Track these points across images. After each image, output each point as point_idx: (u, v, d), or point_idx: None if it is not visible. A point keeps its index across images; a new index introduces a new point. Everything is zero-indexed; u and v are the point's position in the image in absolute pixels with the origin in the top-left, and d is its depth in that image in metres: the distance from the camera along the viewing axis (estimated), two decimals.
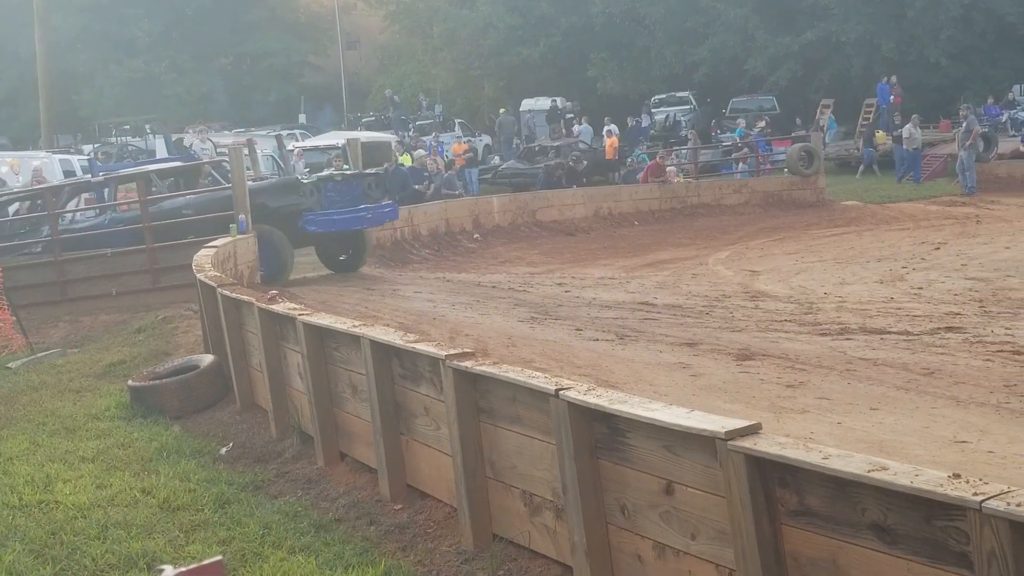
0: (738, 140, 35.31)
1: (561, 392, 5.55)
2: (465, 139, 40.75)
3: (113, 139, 42.93)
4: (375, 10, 55.20)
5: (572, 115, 42.84)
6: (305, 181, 16.34)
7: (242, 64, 55.68)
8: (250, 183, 16.67)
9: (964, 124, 30.14)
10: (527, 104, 44.14)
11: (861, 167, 33.96)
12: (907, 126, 32.25)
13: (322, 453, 8.87)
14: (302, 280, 17.16)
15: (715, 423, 4.74)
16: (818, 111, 38.91)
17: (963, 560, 3.76)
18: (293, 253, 16.34)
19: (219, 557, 2.23)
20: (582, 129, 39.53)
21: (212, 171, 19.10)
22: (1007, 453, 7.28)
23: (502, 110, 43.89)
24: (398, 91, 50.72)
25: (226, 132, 39.81)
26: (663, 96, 43.88)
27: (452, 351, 6.75)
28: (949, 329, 11.97)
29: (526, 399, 6.00)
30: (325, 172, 18.00)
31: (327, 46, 58.02)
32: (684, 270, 18.93)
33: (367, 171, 17.96)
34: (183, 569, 2.23)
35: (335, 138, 33.31)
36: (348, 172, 17.60)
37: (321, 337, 8.73)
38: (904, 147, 31.77)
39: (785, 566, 4.48)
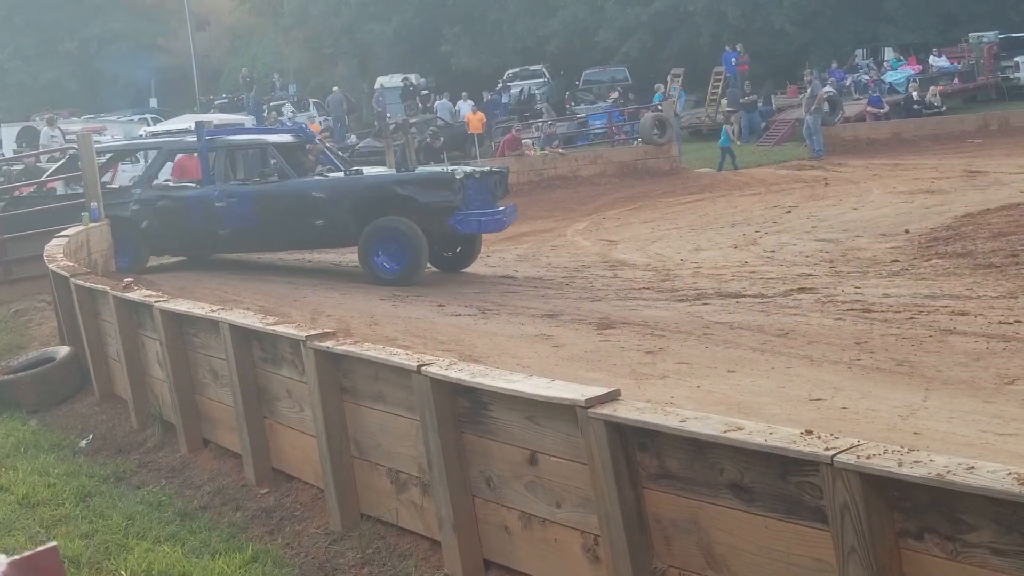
0: (659, 106, 34.77)
1: (423, 368, 5.56)
2: (321, 118, 40.33)
3: None
4: None
5: (427, 91, 42.67)
6: (457, 176, 14.69)
7: (89, 48, 54.20)
8: (395, 173, 15.29)
9: (809, 89, 30.83)
10: (381, 81, 43.83)
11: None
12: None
13: (185, 441, 8.74)
14: (158, 267, 16.83)
15: (575, 392, 4.80)
16: (668, 81, 39.38)
17: (817, 514, 3.88)
18: (428, 253, 14.88)
19: (53, 543, 2.19)
20: (439, 105, 39.43)
21: (325, 149, 17.73)
22: (859, 408, 7.51)
23: (335, 88, 43.45)
24: (252, 72, 49.94)
25: (75, 119, 38.74)
26: (517, 70, 43.97)
27: (313, 332, 6.72)
28: (802, 290, 12.30)
29: (389, 376, 6.00)
30: (469, 168, 15.99)
31: (176, 28, 56.78)
32: (543, 242, 19.04)
33: (495, 169, 16.45)
34: (16, 557, 2.18)
35: (187, 121, 32.66)
36: (483, 169, 16.02)
37: (179, 323, 8.60)
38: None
39: (648, 529, 4.57)
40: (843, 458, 3.73)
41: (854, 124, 32.44)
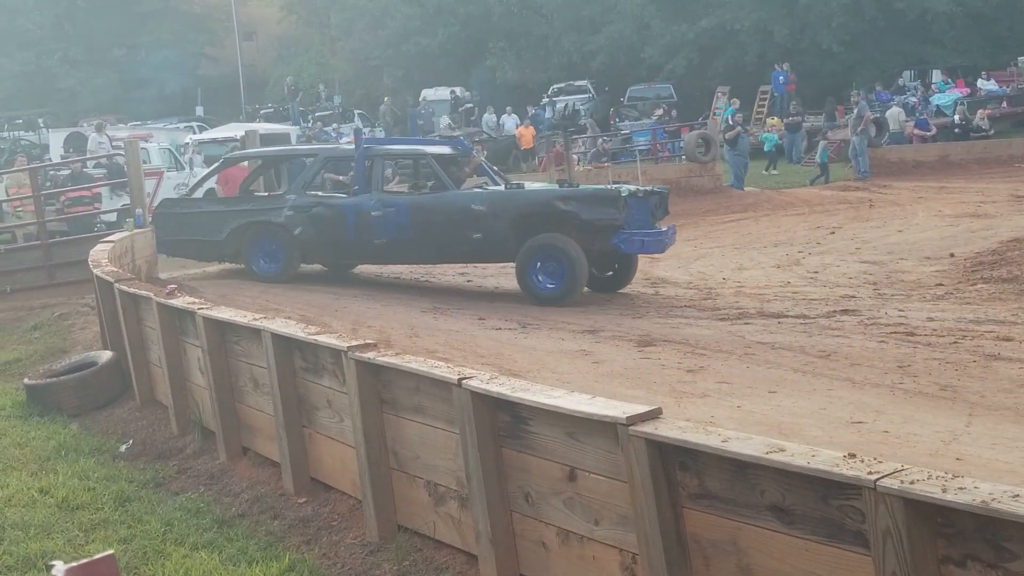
0: (729, 120, 32.89)
1: (464, 381, 5.56)
2: (367, 129, 40.53)
3: (5, 134, 41.99)
4: (272, 0, 54.74)
5: (471, 104, 42.81)
6: (622, 194, 14.00)
7: (137, 56, 54.74)
8: (558, 189, 14.82)
9: (856, 110, 30.70)
10: (425, 93, 44.03)
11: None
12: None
13: (224, 448, 8.79)
14: (201, 274, 16.94)
15: (616, 409, 4.78)
16: (715, 98, 39.32)
17: (859, 538, 3.84)
18: (588, 272, 14.23)
19: (110, 551, 2.21)
20: (484, 119, 39.58)
21: (483, 163, 16.92)
22: (901, 432, 7.44)
23: (386, 98, 43.70)
24: (297, 81, 50.30)
25: (121, 125, 39.11)
26: (562, 85, 44.03)
27: (354, 343, 6.74)
28: (844, 312, 12.21)
29: (429, 389, 6.01)
30: (632, 187, 14.74)
31: (223, 37, 57.25)
32: None
33: (657, 188, 15.26)
34: (74, 564, 2.20)
35: (234, 130, 32.94)
36: (646, 188, 14.90)
37: (222, 331, 8.65)
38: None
39: (687, 549, 4.54)
40: (886, 483, 3.69)
41: (900, 146, 32.27)
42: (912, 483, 3.66)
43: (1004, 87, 37.91)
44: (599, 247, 14.18)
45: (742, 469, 4.25)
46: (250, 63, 57.32)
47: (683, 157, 30.26)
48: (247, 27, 59.45)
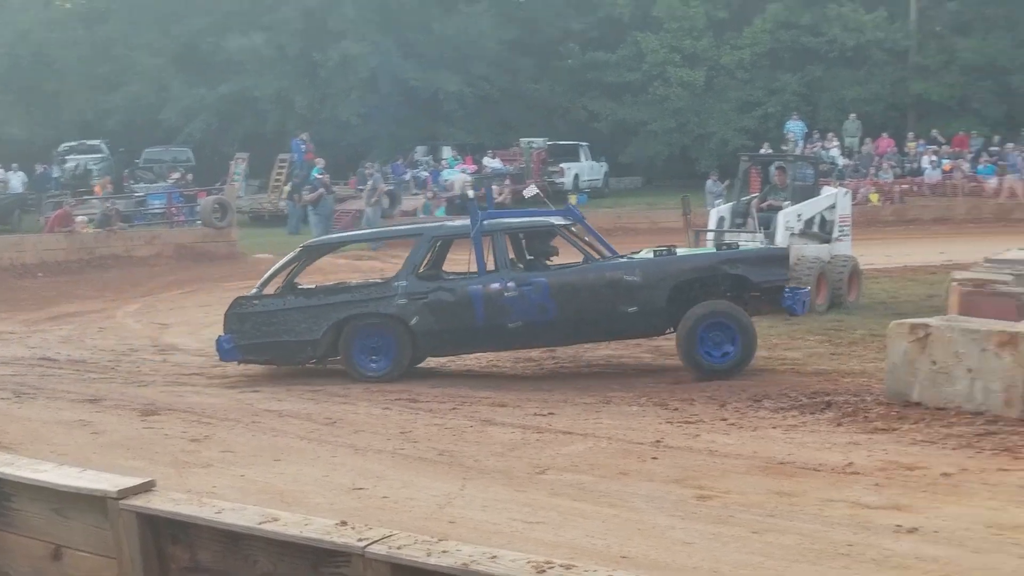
0: (317, 176, 32.34)
1: None
2: None
3: None
4: None
5: None
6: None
7: None
8: (721, 251, 13.40)
9: (370, 182, 31.57)
10: None
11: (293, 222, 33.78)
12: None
13: None
14: None
15: (107, 482, 4.60)
16: (232, 164, 39.25)
17: None
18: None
19: None
20: None
21: (590, 229, 14.35)
22: (400, 497, 7.67)
23: None
24: None
25: None
26: (73, 143, 42.36)
27: None
28: (353, 379, 12.45)
29: None
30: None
31: None
32: (90, 323, 18.29)
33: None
34: None
35: None
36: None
37: None
38: None
39: None
40: (375, 549, 3.76)
41: (411, 218, 33.48)
42: (399, 548, 3.74)
43: (508, 165, 40.41)
44: (762, 311, 13.25)
45: (235, 540, 4.19)
46: None
47: (199, 222, 29.89)
48: None
